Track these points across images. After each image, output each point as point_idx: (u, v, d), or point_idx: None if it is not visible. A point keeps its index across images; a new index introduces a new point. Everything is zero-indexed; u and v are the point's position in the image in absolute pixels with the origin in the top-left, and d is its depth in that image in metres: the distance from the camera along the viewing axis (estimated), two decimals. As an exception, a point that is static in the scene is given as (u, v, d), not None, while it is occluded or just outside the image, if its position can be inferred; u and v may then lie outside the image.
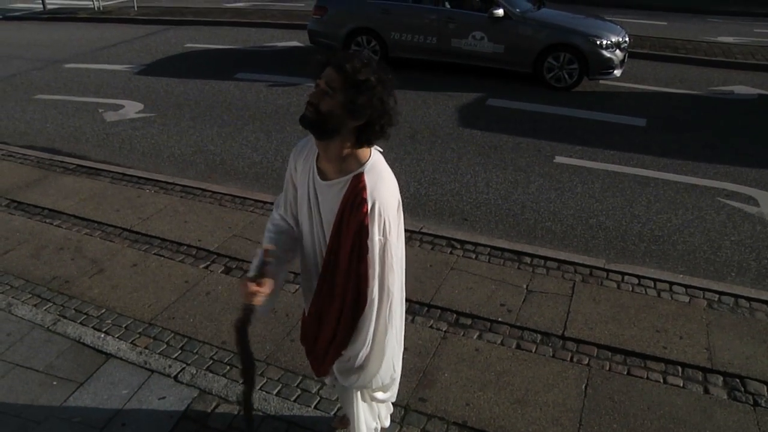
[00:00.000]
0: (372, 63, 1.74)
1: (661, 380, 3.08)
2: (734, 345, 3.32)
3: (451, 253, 4.23)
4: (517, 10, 8.31)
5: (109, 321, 3.52)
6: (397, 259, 1.92)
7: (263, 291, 1.85)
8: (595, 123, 7.01)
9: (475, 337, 3.40)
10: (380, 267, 1.87)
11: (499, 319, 3.53)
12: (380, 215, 1.80)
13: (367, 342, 1.98)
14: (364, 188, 1.79)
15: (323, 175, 1.88)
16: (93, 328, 3.45)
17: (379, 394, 2.29)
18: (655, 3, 14.95)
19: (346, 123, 1.73)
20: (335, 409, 2.86)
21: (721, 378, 3.09)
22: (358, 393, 2.26)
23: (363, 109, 1.71)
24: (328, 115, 1.71)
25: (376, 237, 1.82)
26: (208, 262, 4.10)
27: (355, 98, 1.69)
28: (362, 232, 1.81)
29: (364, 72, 1.70)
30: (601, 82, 8.46)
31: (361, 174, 1.80)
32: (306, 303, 2.21)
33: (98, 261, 4.14)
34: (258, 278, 1.86)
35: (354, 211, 1.80)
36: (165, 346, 3.32)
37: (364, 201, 1.78)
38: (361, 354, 2.00)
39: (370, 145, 1.84)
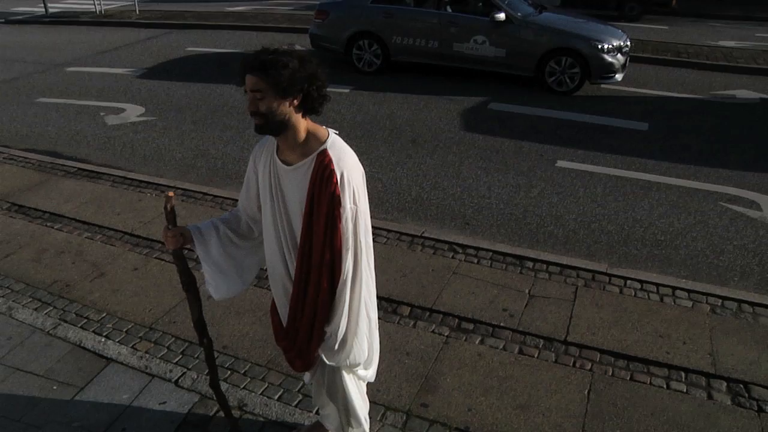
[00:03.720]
0: (275, 46, 1.87)
1: (665, 386, 3.06)
2: (738, 350, 3.30)
3: (453, 257, 4.22)
4: (519, 14, 8.32)
5: (110, 325, 3.51)
6: (366, 229, 2.00)
7: (171, 234, 2.12)
8: (597, 127, 7.00)
9: (477, 342, 3.38)
10: (353, 237, 1.94)
11: (502, 324, 3.51)
12: (349, 184, 1.90)
13: (345, 314, 2.03)
14: (330, 162, 1.88)
15: (287, 163, 1.98)
16: (93, 332, 3.44)
17: (360, 371, 2.28)
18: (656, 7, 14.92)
19: (288, 106, 1.83)
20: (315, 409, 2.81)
21: (725, 383, 3.07)
22: (346, 379, 2.24)
23: (291, 85, 1.79)
24: (271, 113, 1.82)
25: (348, 205, 1.90)
26: (209, 266, 4.09)
27: (278, 80, 1.77)
28: (334, 202, 1.88)
29: (269, 55, 1.79)
30: (602, 86, 8.46)
31: (325, 150, 1.91)
32: (276, 298, 2.27)
33: (99, 265, 4.13)
34: (173, 227, 2.12)
35: (324, 185, 1.88)
36: (166, 350, 3.31)
37: (333, 172, 1.87)
38: (340, 328, 2.05)
39: (316, 112, 1.93)
